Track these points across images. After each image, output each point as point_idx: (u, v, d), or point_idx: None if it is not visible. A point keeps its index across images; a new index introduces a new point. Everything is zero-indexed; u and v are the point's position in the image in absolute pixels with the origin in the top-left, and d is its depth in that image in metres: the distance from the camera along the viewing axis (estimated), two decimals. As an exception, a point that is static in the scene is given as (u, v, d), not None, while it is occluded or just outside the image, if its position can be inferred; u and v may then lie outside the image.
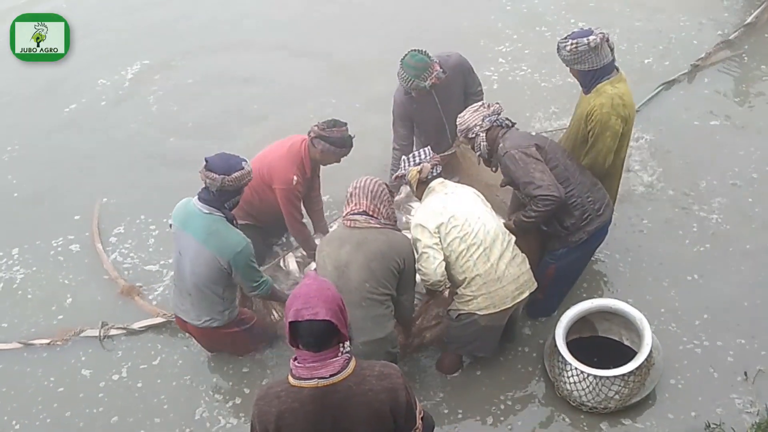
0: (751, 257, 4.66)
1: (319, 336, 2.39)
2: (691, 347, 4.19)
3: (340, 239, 3.67)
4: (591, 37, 3.88)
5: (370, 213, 3.65)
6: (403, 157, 4.05)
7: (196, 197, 3.87)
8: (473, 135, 4.09)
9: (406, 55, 4.51)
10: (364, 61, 6.77)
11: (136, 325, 4.69)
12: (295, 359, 2.46)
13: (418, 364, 4.33)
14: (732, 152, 5.43)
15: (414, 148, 4.89)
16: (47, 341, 4.66)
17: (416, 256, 3.76)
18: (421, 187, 3.92)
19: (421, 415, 2.68)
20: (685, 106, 5.89)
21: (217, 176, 3.72)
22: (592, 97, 4.01)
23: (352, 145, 4.47)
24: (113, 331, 4.67)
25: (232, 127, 6.27)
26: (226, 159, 3.79)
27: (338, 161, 4.55)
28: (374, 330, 3.58)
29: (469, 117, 4.11)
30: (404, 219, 4.75)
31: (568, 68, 4.07)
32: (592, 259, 4.62)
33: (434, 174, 3.90)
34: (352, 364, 2.48)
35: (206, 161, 3.77)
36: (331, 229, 4.75)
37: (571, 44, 3.91)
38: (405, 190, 4.94)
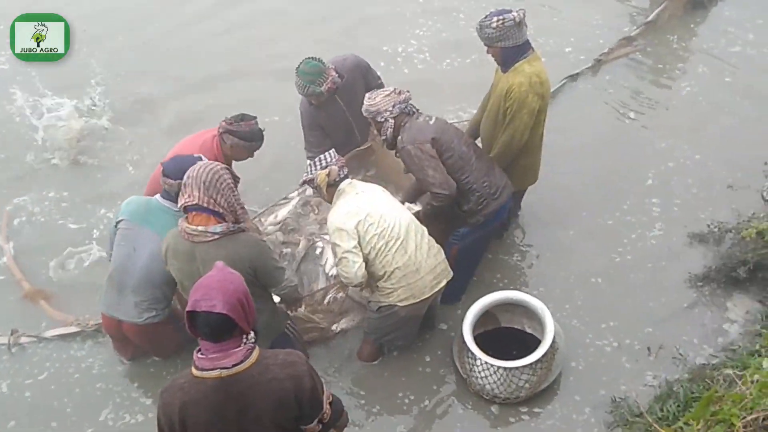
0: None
1: (215, 328, 2.41)
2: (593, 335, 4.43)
3: (185, 253, 3.43)
4: (514, 14, 4.05)
5: (205, 205, 3.32)
6: (309, 162, 4.06)
7: (158, 196, 3.93)
8: (382, 119, 4.18)
9: (300, 63, 4.57)
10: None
11: (48, 334, 4.58)
12: (199, 350, 2.48)
13: (339, 352, 4.42)
14: (639, 148, 5.65)
15: None
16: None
17: (335, 260, 3.88)
18: (330, 190, 3.95)
19: (329, 400, 2.74)
20: (589, 99, 6.17)
21: (173, 182, 3.77)
22: (510, 75, 4.18)
23: (262, 138, 4.44)
24: (24, 339, 4.55)
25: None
26: (180, 163, 3.78)
27: (251, 155, 4.51)
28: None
29: (381, 101, 4.17)
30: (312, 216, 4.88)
31: (487, 48, 4.21)
32: (502, 254, 4.89)
33: (342, 176, 3.94)
34: (255, 353, 2.51)
35: (162, 167, 3.83)
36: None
37: (497, 20, 4.05)
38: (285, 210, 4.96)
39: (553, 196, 5.27)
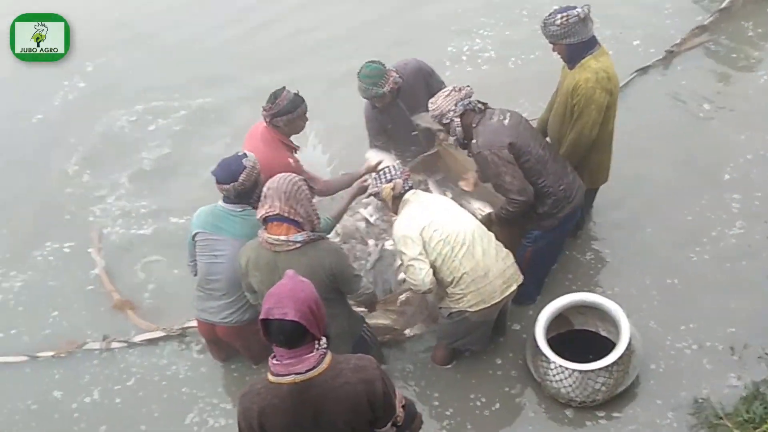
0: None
1: (288, 335, 2.48)
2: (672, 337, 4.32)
3: (267, 265, 3.52)
4: (578, 9, 3.99)
5: (286, 215, 3.44)
6: (373, 175, 4.09)
7: (220, 202, 4.01)
8: (447, 120, 4.14)
9: (361, 67, 4.62)
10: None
11: (136, 339, 4.79)
12: (274, 357, 2.55)
13: (413, 355, 4.46)
14: (715, 142, 5.48)
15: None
16: (51, 354, 4.75)
17: (403, 268, 3.90)
18: (396, 202, 3.97)
19: (402, 403, 2.78)
20: (661, 93, 5.99)
21: (227, 186, 3.86)
22: (576, 72, 4.13)
23: (303, 99, 4.38)
24: (114, 344, 4.77)
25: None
26: (227, 166, 3.89)
27: (307, 119, 4.48)
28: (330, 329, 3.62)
29: (442, 102, 4.15)
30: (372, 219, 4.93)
31: (552, 45, 4.16)
32: (576, 253, 4.81)
33: (406, 188, 3.96)
34: (328, 358, 2.56)
35: (214, 176, 3.91)
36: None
37: (562, 17, 4.00)
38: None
39: (628, 194, 5.17)
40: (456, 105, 4.12)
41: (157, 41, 7.68)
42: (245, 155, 3.91)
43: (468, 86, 4.21)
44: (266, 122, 4.39)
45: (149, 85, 7.07)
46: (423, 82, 4.87)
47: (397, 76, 4.65)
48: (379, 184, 3.99)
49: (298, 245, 3.45)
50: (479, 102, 4.17)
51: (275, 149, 4.37)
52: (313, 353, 2.54)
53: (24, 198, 6.09)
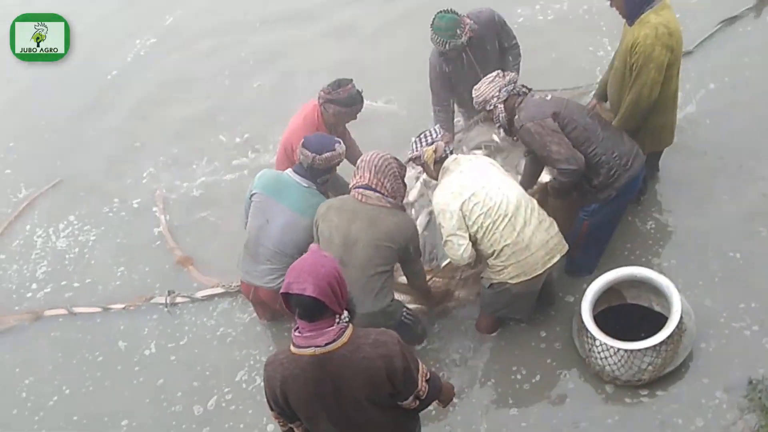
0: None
1: (307, 309, 2.54)
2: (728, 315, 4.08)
3: (351, 212, 3.72)
4: None
5: (374, 187, 3.71)
6: (414, 139, 4.00)
7: (290, 170, 4.15)
8: (491, 107, 4.06)
9: (434, 18, 4.45)
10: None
11: (198, 294, 5.00)
12: (297, 329, 2.62)
13: (457, 324, 4.44)
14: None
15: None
16: (122, 306, 5.05)
17: (442, 241, 3.85)
18: (436, 167, 3.91)
19: (426, 377, 2.81)
20: (749, 48, 5.49)
21: (309, 153, 4.02)
22: (636, 28, 3.91)
23: (362, 101, 4.47)
24: (178, 299, 5.01)
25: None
26: (320, 139, 4.10)
27: (354, 118, 4.57)
28: (372, 303, 3.71)
29: (485, 89, 4.07)
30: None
31: (609, 1, 3.97)
32: (638, 221, 4.58)
33: (447, 152, 3.90)
34: (348, 332, 2.61)
35: (304, 140, 4.07)
36: None
37: None
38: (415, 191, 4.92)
39: (699, 159, 4.85)
40: (500, 91, 4.03)
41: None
42: (340, 142, 4.12)
43: (513, 72, 4.15)
44: (318, 102, 4.46)
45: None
46: (494, 34, 4.72)
47: (473, 22, 4.50)
48: (419, 148, 3.94)
49: (389, 205, 3.72)
50: (523, 86, 4.06)
51: (308, 132, 4.38)
52: (333, 327, 2.59)
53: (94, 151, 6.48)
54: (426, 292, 4.22)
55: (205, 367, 4.61)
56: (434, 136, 3.92)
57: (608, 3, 4.01)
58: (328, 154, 4.03)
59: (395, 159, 3.81)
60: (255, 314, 4.72)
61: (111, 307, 5.07)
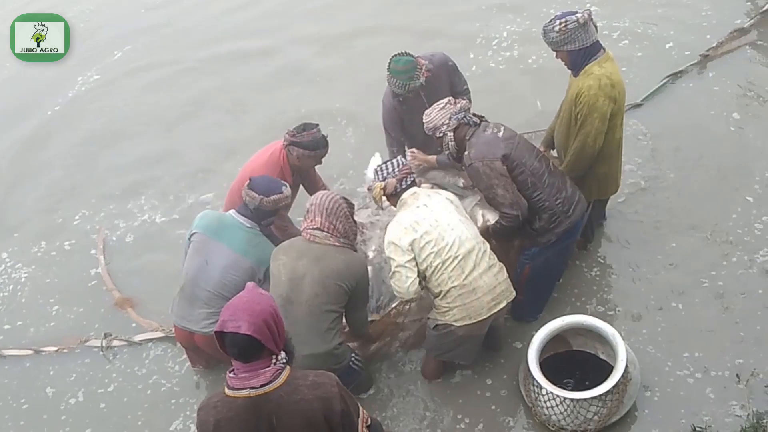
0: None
1: (242, 348, 2.45)
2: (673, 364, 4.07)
3: (298, 251, 3.69)
4: (578, 15, 3.86)
5: (325, 230, 3.68)
6: (375, 168, 3.99)
7: (233, 211, 4.09)
8: (441, 134, 4.03)
9: (390, 62, 4.46)
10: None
11: (137, 338, 4.81)
12: (231, 370, 2.52)
13: (401, 369, 4.33)
14: (744, 153, 5.14)
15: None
16: (55, 348, 4.82)
17: (390, 273, 3.79)
18: (392, 200, 3.89)
19: (367, 423, 2.73)
20: (692, 100, 5.66)
21: (256, 195, 3.97)
22: (580, 79, 3.99)
23: (326, 145, 4.45)
24: (115, 342, 4.79)
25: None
26: (267, 181, 4.05)
27: (319, 163, 4.55)
28: (317, 344, 3.60)
29: (435, 115, 4.04)
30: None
31: (555, 53, 4.03)
32: (585, 267, 4.59)
33: (403, 186, 3.86)
34: (285, 373, 2.53)
35: (249, 180, 4.03)
36: None
37: (560, 23, 3.86)
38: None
39: (647, 207, 4.92)
40: (450, 119, 4.00)
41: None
42: (287, 185, 4.12)
43: (465, 100, 4.12)
44: (283, 144, 4.42)
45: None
46: (446, 76, 4.75)
47: (427, 63, 4.53)
48: (377, 178, 3.92)
49: (337, 244, 3.68)
50: (475, 115, 4.05)
51: (271, 171, 4.35)
52: (270, 368, 2.51)
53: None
54: (364, 341, 4.13)
55: (137, 416, 4.39)
56: (389, 170, 3.90)
57: (554, 55, 4.07)
58: (275, 197, 4.00)
59: (344, 199, 3.78)
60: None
61: (43, 350, 4.83)
